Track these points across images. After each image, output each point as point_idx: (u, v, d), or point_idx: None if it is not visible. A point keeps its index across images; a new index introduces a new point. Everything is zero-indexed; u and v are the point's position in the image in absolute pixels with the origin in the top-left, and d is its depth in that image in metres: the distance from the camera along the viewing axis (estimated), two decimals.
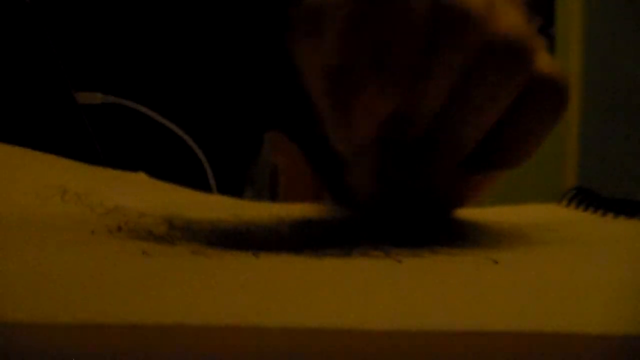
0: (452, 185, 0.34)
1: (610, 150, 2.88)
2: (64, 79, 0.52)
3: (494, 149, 0.33)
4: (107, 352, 0.15)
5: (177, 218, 0.34)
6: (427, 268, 0.24)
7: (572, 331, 0.16)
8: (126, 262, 0.25)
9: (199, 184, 0.52)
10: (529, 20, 0.32)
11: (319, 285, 0.21)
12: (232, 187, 0.59)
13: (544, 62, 0.32)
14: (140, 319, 0.16)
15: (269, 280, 0.22)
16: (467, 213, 0.36)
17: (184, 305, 0.18)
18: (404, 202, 0.32)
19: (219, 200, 0.49)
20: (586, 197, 0.42)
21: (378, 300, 0.18)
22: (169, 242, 0.29)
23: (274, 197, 1.50)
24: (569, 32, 2.94)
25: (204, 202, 0.46)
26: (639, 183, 2.65)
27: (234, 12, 0.59)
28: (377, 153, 0.31)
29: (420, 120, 0.31)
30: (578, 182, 2.72)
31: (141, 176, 0.47)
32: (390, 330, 0.16)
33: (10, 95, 0.52)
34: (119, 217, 0.34)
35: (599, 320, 0.17)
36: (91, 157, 0.50)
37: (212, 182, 0.55)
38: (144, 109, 0.53)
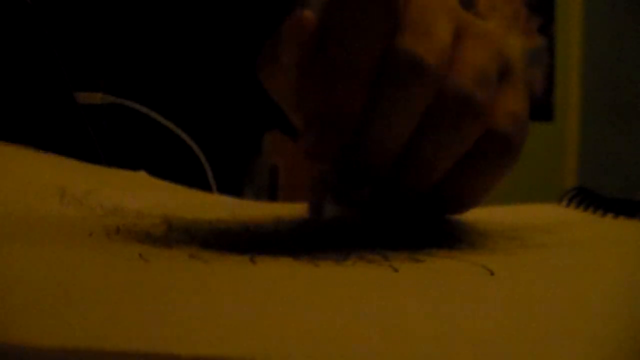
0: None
1: (610, 150, 2.88)
2: (64, 79, 0.52)
3: (442, 195, 0.33)
4: None
5: (175, 219, 0.34)
6: (421, 282, 0.24)
7: None
8: (122, 269, 0.24)
9: (199, 183, 0.52)
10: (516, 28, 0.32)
11: (312, 303, 0.21)
12: (231, 187, 0.59)
13: (503, 110, 0.32)
14: (129, 345, 0.16)
15: (264, 294, 0.22)
16: (467, 213, 0.36)
17: (175, 330, 0.17)
18: (399, 201, 0.32)
19: (219, 199, 0.49)
20: (586, 197, 0.42)
21: (366, 327, 0.18)
22: (167, 245, 0.29)
23: (273, 196, 1.50)
24: (569, 32, 2.94)
25: (203, 201, 0.46)
26: (639, 183, 2.65)
27: (233, 12, 0.59)
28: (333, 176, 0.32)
29: (380, 155, 0.31)
30: (578, 182, 2.72)
31: (141, 175, 0.47)
32: None
33: (11, 95, 0.52)
34: (117, 218, 0.34)
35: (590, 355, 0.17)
36: (91, 157, 0.50)
37: (211, 181, 0.55)
38: (144, 109, 0.53)
